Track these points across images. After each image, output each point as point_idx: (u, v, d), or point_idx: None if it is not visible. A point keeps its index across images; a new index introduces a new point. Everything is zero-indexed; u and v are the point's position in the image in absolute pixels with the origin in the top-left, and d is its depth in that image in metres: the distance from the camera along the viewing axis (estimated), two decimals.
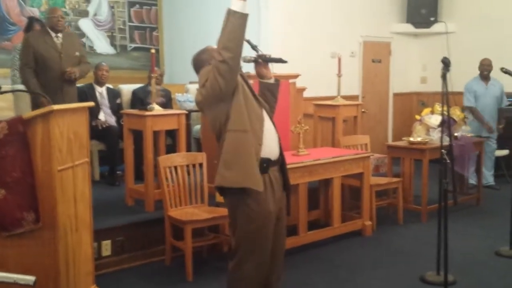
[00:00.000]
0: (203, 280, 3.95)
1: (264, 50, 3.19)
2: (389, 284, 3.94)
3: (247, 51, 2.89)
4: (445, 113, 3.83)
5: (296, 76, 5.20)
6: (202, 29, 8.07)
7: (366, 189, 4.99)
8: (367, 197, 5.01)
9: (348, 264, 4.32)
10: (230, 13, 2.65)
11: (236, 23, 2.64)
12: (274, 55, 3.07)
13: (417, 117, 5.92)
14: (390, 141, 8.27)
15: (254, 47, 3.02)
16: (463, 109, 6.51)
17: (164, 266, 4.23)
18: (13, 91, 4.73)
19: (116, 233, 4.19)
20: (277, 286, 3.08)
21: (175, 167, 4.26)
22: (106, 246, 4.11)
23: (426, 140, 5.49)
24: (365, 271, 4.18)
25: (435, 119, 5.61)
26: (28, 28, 6.00)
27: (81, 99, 5.13)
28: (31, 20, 6.14)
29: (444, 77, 3.62)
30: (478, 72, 6.77)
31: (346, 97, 5.96)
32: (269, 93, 3.05)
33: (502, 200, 5.80)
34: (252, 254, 2.86)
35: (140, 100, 5.71)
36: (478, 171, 6.18)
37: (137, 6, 8.93)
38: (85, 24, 8.37)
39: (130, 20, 8.87)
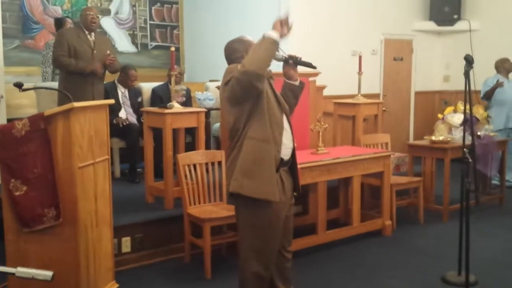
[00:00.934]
0: (221, 278, 3.95)
1: (284, 47, 3.18)
2: (409, 284, 3.89)
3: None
4: (468, 111, 3.77)
5: (316, 74, 5.17)
6: (223, 27, 8.08)
7: (386, 188, 4.94)
8: (387, 197, 4.96)
9: (367, 264, 4.29)
10: (266, 38, 2.71)
11: (269, 47, 2.70)
12: (295, 53, 3.06)
13: (440, 116, 5.85)
14: (411, 140, 8.18)
15: (281, 59, 3.02)
16: (486, 107, 6.42)
17: (183, 263, 4.25)
18: (34, 88, 4.79)
19: (136, 230, 4.22)
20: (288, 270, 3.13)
21: (194, 165, 4.27)
22: (126, 243, 4.15)
23: (448, 139, 5.42)
24: (385, 271, 4.14)
25: (458, 118, 5.54)
26: (60, 26, 6.10)
27: (104, 97, 5.18)
28: (61, 19, 6.25)
29: (467, 74, 3.56)
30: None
31: (366, 95, 5.91)
32: (292, 94, 3.06)
33: None
34: (258, 253, 2.89)
35: (159, 98, 5.74)
36: (501, 171, 6.08)
37: (158, 4, 8.99)
38: (107, 23, 8.45)
39: (151, 19, 8.93)
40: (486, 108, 6.46)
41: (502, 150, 6.00)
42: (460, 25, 8.26)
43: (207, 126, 5.68)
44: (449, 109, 5.78)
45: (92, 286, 3.17)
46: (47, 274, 1.45)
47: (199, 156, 4.36)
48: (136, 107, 5.82)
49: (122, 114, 5.72)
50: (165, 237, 4.36)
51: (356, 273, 4.09)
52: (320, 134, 4.61)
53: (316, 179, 4.41)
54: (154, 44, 8.99)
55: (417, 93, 8.63)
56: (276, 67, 3.12)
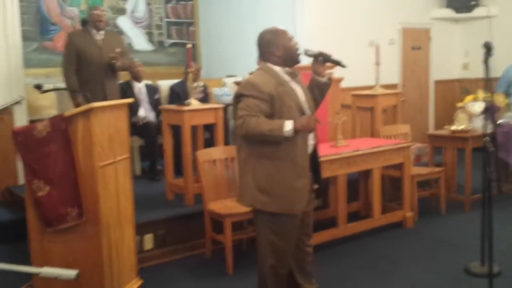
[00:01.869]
0: (243, 273, 3.97)
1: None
2: (432, 275, 3.87)
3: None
4: (488, 99, 3.71)
5: (333, 67, 5.13)
6: (238, 23, 8.08)
7: (407, 180, 4.90)
8: (408, 188, 4.93)
9: (389, 255, 4.27)
10: (280, 128, 2.73)
11: (274, 134, 2.74)
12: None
13: (460, 104, 5.77)
14: (431, 130, 8.10)
15: (311, 55, 3.01)
16: (507, 94, 6.31)
17: (205, 259, 4.28)
18: (54, 89, 4.85)
19: (158, 227, 4.26)
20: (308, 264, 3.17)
21: (214, 161, 4.29)
22: (148, 240, 4.19)
23: (469, 128, 5.35)
24: (407, 263, 4.11)
25: (478, 106, 5.45)
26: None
27: (120, 96, 5.21)
28: (87, 20, 6.32)
29: (486, 62, 3.50)
30: None
31: (385, 86, 5.85)
32: (318, 91, 3.08)
33: None
34: (275, 248, 2.93)
35: (177, 95, 5.77)
36: None
37: (174, 1, 9.01)
38: (123, 22, 8.50)
39: (167, 16, 8.96)
40: (508, 96, 6.35)
41: None
42: (478, 12, 8.14)
43: (225, 122, 5.69)
44: (469, 97, 5.70)
45: (116, 283, 3.22)
46: (71, 273, 1.48)
47: (218, 152, 4.38)
48: (154, 104, 5.86)
49: (142, 112, 5.76)
50: (186, 233, 4.39)
51: (378, 266, 4.08)
52: (339, 126, 4.59)
53: (336, 172, 4.40)
54: (170, 41, 9.02)
55: (436, 82, 8.54)
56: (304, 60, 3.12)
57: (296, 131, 2.74)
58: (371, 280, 3.85)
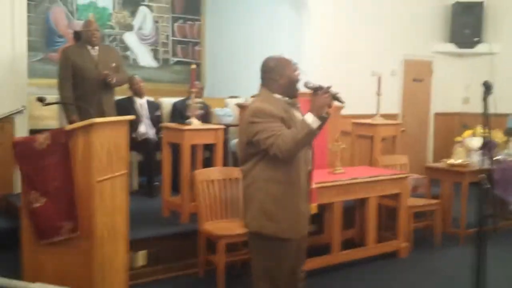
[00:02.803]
0: None
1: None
2: None
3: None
4: (486, 135, 3.74)
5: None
6: (244, 45, 8.16)
7: (403, 210, 4.90)
8: (403, 218, 4.93)
9: (381, 286, 4.25)
10: (309, 128, 2.73)
11: (303, 135, 2.73)
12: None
13: (458, 139, 5.81)
14: (430, 162, 8.12)
15: (311, 87, 3.04)
16: (506, 131, 6.35)
17: (197, 278, 4.26)
18: (57, 103, 4.86)
19: (151, 244, 4.25)
20: None
21: (211, 181, 4.30)
22: (141, 257, 4.17)
23: (466, 162, 5.37)
24: None
25: (476, 142, 5.49)
26: (79, 39, 6.19)
27: (121, 113, 5.20)
28: (80, 32, 6.34)
29: (485, 100, 3.53)
30: None
31: (385, 116, 5.90)
32: None
33: None
34: (270, 275, 2.91)
35: (180, 113, 5.80)
36: None
37: (181, 21, 9.12)
38: (129, 38, 8.59)
39: (173, 35, 9.06)
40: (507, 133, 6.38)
41: None
42: (480, 48, 8.22)
43: (225, 142, 5.71)
44: (468, 132, 5.74)
45: None
46: None
47: (216, 172, 4.39)
48: (155, 121, 5.89)
49: (142, 128, 5.78)
50: (180, 252, 4.37)
51: None
52: (338, 153, 4.61)
53: (333, 199, 4.40)
54: (175, 59, 9.10)
55: (436, 115, 8.59)
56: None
57: (318, 116, 2.72)
58: None
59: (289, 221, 2.85)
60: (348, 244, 4.84)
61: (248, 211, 2.93)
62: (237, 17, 8.53)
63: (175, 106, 5.98)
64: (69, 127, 3.02)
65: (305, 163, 2.91)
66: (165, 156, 4.86)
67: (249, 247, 3.08)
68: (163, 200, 4.87)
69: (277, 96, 2.92)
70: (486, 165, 3.80)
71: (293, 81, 2.94)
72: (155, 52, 8.89)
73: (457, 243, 5.31)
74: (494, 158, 5.10)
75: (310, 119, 2.72)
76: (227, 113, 6.30)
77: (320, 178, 4.20)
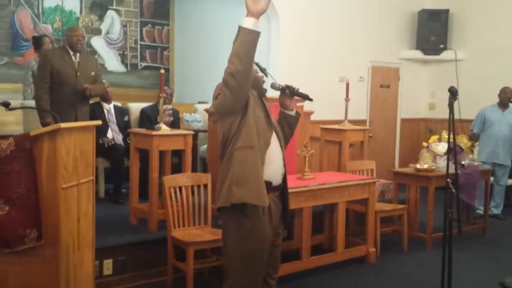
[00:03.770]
0: None
1: (273, 73, 3.22)
2: None
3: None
4: (452, 141, 3.81)
5: (303, 100, 5.20)
6: (213, 50, 8.14)
7: (371, 215, 4.95)
8: (371, 224, 4.98)
9: None
10: (240, 30, 2.64)
11: (245, 39, 2.63)
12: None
13: (424, 144, 5.91)
14: (397, 167, 8.24)
15: (263, 70, 3.04)
16: (470, 136, 6.49)
17: (166, 286, 4.20)
18: (22, 107, 4.77)
19: (119, 252, 4.18)
20: None
21: (180, 187, 4.26)
22: (108, 265, 4.10)
23: (433, 167, 5.47)
24: None
25: (442, 147, 5.60)
26: (38, 45, 6.08)
27: (90, 118, 5.16)
28: (39, 38, 6.23)
29: (451, 106, 3.61)
30: (498, 99, 6.69)
31: (353, 122, 5.96)
32: (287, 124, 3.09)
33: (510, 230, 5.73)
34: (243, 278, 2.83)
35: (148, 118, 5.74)
36: (485, 201, 6.12)
37: (149, 25, 9.05)
38: (97, 42, 8.48)
39: (141, 39, 8.98)
40: (471, 137, 6.53)
41: (486, 179, 6.06)
42: (446, 55, 8.41)
43: (194, 148, 5.68)
44: (434, 137, 5.85)
45: None
46: None
47: (185, 178, 4.35)
48: (123, 126, 5.82)
49: (110, 134, 5.71)
50: (148, 260, 4.32)
51: None
52: (307, 159, 4.64)
53: (302, 205, 4.42)
54: (144, 64, 9.02)
55: (403, 120, 8.73)
56: (271, 92, 3.16)
57: (252, 14, 2.61)
58: None
59: (253, 185, 2.74)
60: (317, 250, 4.87)
61: (220, 190, 2.83)
62: (205, 22, 8.51)
63: (143, 111, 5.92)
64: (33, 132, 2.95)
65: (263, 139, 2.81)
66: (133, 162, 4.80)
67: (223, 245, 2.97)
68: (131, 207, 4.81)
69: None
70: (452, 170, 3.87)
71: (258, 79, 2.94)
72: (123, 57, 8.80)
73: (423, 247, 5.39)
74: (460, 163, 5.20)
75: (249, 21, 2.61)
76: (196, 118, 6.27)
77: (289, 183, 4.19)
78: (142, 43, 8.98)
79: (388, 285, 4.44)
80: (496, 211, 6.73)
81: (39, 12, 7.91)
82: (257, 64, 2.98)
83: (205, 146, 6.19)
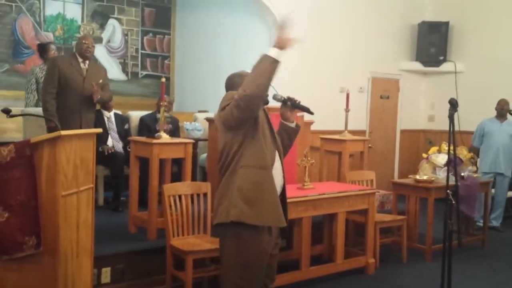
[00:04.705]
0: None
1: (274, 83, 3.23)
2: None
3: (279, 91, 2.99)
4: (452, 153, 3.81)
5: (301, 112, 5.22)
6: (213, 60, 8.18)
7: (370, 226, 4.94)
8: (371, 234, 4.96)
9: None
10: (264, 57, 2.71)
11: (267, 67, 2.70)
12: (284, 88, 3.11)
13: (424, 155, 5.91)
14: (396, 178, 8.24)
15: (280, 99, 3.06)
16: (470, 148, 6.50)
17: None
18: (22, 114, 4.76)
19: (117, 260, 4.16)
20: None
21: (179, 196, 4.25)
22: (106, 273, 4.08)
23: (432, 178, 5.47)
24: None
25: (442, 158, 5.60)
26: (43, 52, 6.10)
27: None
28: (45, 45, 6.25)
29: (451, 117, 3.62)
30: (495, 112, 6.73)
31: (353, 132, 5.97)
32: (287, 136, 3.10)
33: (509, 242, 5.72)
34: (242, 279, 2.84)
35: (147, 126, 5.75)
36: (484, 213, 6.11)
37: (150, 34, 9.08)
38: (98, 51, 8.48)
39: (142, 48, 9.01)
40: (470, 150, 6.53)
41: (485, 191, 6.06)
42: (445, 67, 8.44)
43: (194, 157, 5.68)
44: (433, 149, 5.85)
45: None
46: None
47: (184, 187, 4.35)
48: (123, 135, 5.82)
49: (110, 141, 5.71)
50: (147, 269, 4.30)
51: None
52: (307, 169, 4.63)
53: (301, 214, 4.41)
54: (144, 73, 9.05)
55: (402, 131, 8.74)
56: (272, 102, 3.17)
57: (279, 47, 2.71)
58: None
59: (271, 207, 2.80)
60: (317, 260, 4.85)
61: (225, 200, 2.84)
62: (206, 31, 8.54)
63: (142, 120, 5.93)
64: (34, 139, 2.95)
65: (270, 157, 2.86)
66: (133, 170, 4.80)
67: (220, 255, 2.98)
68: (130, 215, 4.80)
69: None
70: (452, 181, 3.87)
71: None
72: (124, 65, 8.83)
73: (423, 259, 5.37)
74: (459, 175, 5.20)
75: (272, 51, 2.71)
76: (196, 127, 6.28)
77: (289, 193, 4.18)
78: (143, 51, 9.01)
79: None
80: (495, 223, 6.72)
81: (41, 20, 7.94)
82: (276, 95, 3.03)
83: (205, 155, 6.19)
